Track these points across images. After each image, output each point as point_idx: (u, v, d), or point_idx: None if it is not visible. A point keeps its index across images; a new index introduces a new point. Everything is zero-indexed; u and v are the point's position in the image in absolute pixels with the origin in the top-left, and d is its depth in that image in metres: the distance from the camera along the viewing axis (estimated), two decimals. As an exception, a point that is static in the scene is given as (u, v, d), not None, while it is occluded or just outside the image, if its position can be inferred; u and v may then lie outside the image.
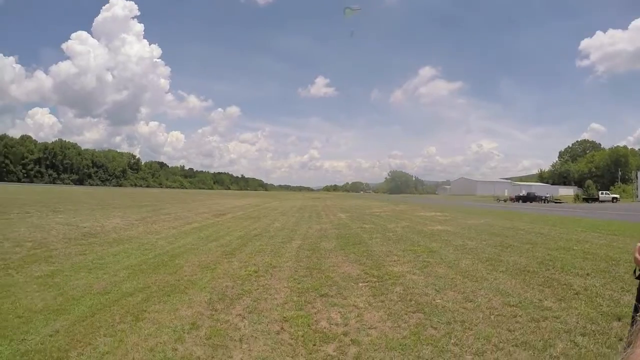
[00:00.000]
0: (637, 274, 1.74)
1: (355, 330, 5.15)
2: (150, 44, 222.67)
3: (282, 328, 5.27)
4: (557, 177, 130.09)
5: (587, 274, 7.94)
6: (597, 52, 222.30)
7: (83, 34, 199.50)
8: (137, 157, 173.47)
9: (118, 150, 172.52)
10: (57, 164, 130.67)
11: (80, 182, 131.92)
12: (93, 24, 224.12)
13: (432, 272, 8.46)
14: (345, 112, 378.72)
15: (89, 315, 5.78)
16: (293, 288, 7.32)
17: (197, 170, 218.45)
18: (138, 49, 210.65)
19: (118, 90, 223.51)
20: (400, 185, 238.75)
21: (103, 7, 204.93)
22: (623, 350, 0.83)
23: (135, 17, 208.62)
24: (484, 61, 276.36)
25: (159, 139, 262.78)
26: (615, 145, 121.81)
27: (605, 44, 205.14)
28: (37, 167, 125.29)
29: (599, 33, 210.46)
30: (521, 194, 75.93)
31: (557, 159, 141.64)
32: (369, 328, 5.23)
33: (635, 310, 0.99)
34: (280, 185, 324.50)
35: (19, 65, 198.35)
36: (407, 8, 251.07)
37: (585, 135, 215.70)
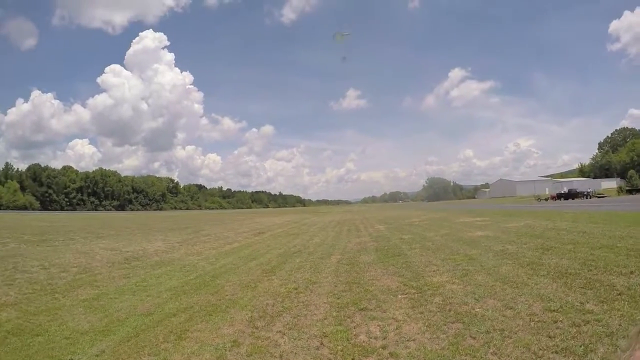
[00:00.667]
0: None
1: (393, 343, 5.18)
2: (182, 72, 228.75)
3: (321, 343, 5.36)
4: (598, 170, 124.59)
5: (631, 272, 7.66)
6: (628, 34, 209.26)
7: (117, 67, 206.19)
8: (175, 181, 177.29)
9: (157, 176, 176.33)
10: (98, 192, 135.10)
11: (121, 207, 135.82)
12: (125, 56, 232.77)
13: (471, 280, 8.35)
14: (378, 122, 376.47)
15: (134, 335, 6.05)
16: (332, 303, 7.40)
17: (235, 191, 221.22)
18: (170, 77, 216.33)
19: (154, 118, 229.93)
20: (438, 192, 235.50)
21: (133, 41, 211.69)
22: (622, 352, 0.86)
23: (165, 47, 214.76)
24: (513, 57, 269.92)
25: (196, 162, 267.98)
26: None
27: (635, 24, 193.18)
28: (79, 196, 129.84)
29: (626, 13, 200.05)
30: (562, 192, 73.44)
31: (597, 151, 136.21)
32: (407, 340, 5.25)
33: None
34: (318, 200, 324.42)
35: (57, 101, 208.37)
36: (430, 10, 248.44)
37: (625, 123, 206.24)
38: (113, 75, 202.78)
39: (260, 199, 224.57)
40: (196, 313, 7.19)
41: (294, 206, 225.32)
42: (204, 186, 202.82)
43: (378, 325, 5.93)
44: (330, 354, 5.01)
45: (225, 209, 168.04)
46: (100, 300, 8.40)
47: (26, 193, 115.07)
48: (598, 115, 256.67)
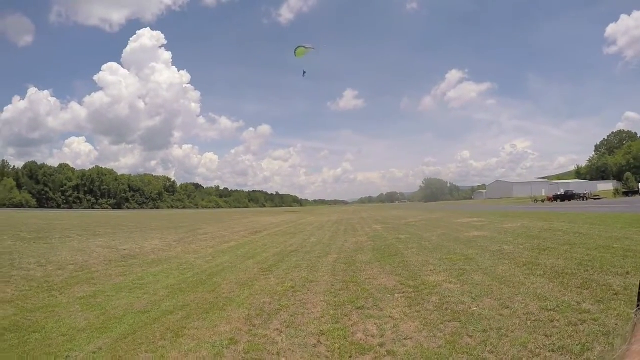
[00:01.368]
0: None
1: (391, 341, 5.20)
2: (179, 71, 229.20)
3: (318, 341, 5.37)
4: (594, 172, 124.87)
5: (627, 273, 7.71)
6: (624, 37, 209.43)
7: (113, 65, 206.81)
8: (172, 180, 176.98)
9: (153, 174, 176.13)
10: (95, 190, 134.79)
11: (118, 206, 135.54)
12: (122, 55, 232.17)
13: (468, 279, 8.38)
14: (375, 122, 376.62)
15: (131, 333, 6.04)
16: (329, 302, 7.41)
17: (232, 190, 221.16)
18: (168, 75, 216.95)
19: (151, 117, 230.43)
20: (435, 192, 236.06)
21: (131, 39, 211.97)
22: (619, 347, 0.86)
23: (163, 45, 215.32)
24: (510, 59, 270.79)
25: (193, 161, 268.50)
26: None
27: (632, 27, 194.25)
28: (75, 194, 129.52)
29: (623, 17, 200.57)
30: (559, 193, 73.86)
31: (593, 153, 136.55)
32: (404, 339, 5.26)
33: (637, 306, 1.01)
34: (315, 200, 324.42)
35: (54, 98, 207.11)
36: (427, 12, 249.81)
37: (621, 125, 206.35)
38: (110, 73, 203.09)
39: (257, 199, 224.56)
40: (193, 311, 7.19)
41: (290, 206, 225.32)
42: (200, 185, 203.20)
43: (375, 324, 5.94)
44: (328, 351, 5.01)
45: (222, 208, 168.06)
46: (97, 297, 8.38)
47: (22, 191, 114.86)
48: (594, 118, 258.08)
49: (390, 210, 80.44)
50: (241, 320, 6.52)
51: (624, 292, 6.45)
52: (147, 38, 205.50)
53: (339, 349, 5.06)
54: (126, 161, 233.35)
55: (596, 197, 66.15)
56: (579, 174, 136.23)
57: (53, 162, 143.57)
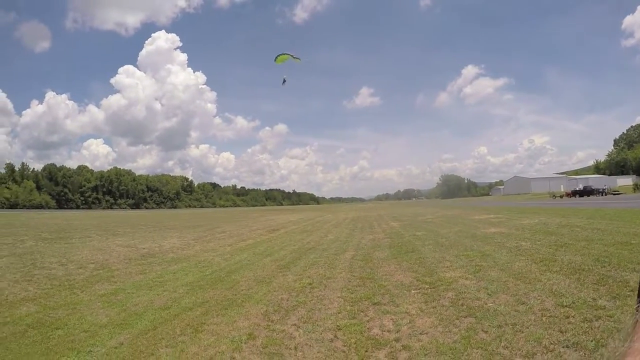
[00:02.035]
0: None
1: (406, 336, 5.26)
2: (194, 72, 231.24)
3: (335, 336, 5.46)
4: (614, 167, 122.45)
5: (645, 269, 7.65)
6: None
7: (130, 67, 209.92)
8: (189, 180, 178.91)
9: (171, 174, 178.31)
10: (113, 190, 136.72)
11: (136, 206, 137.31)
12: (138, 57, 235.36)
13: (484, 276, 8.38)
14: (392, 120, 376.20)
15: (151, 328, 6.20)
16: (346, 298, 7.49)
17: (249, 189, 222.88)
18: (183, 77, 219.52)
19: (167, 118, 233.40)
20: (452, 189, 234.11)
21: (146, 42, 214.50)
22: (621, 344, 0.88)
23: (178, 47, 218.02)
24: (526, 53, 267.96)
25: (210, 161, 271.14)
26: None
27: None
28: (94, 194, 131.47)
29: None
30: (577, 189, 72.65)
31: (612, 148, 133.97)
32: (420, 334, 5.32)
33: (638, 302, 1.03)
34: (332, 198, 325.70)
35: (71, 102, 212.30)
36: (443, 7, 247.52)
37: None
38: (126, 76, 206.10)
39: (274, 197, 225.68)
40: (212, 307, 7.33)
41: (307, 204, 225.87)
42: (217, 184, 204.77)
43: (391, 319, 6.01)
44: (344, 346, 5.10)
45: (239, 206, 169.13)
46: (118, 295, 8.57)
47: (42, 192, 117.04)
48: (613, 112, 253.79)
49: (407, 207, 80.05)
50: (259, 316, 6.64)
51: (641, 288, 6.39)
52: (162, 40, 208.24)
53: (355, 343, 5.15)
54: (144, 162, 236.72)
55: (615, 193, 64.92)
56: (597, 168, 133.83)
57: (72, 164, 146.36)
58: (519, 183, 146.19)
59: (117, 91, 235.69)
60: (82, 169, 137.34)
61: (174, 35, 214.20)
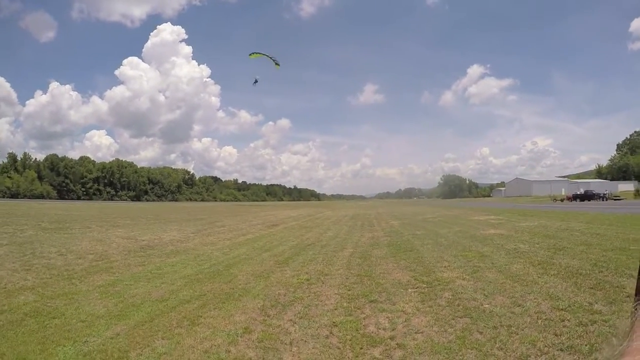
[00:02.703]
0: None
1: (402, 335, 5.29)
2: (199, 65, 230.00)
3: (331, 332, 5.49)
4: (615, 172, 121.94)
5: (643, 275, 7.64)
6: None
7: (134, 59, 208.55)
8: (191, 173, 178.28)
9: (173, 167, 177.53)
10: (114, 182, 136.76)
11: (137, 198, 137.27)
12: (143, 49, 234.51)
13: (482, 277, 8.41)
14: (395, 118, 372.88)
15: (148, 320, 6.22)
16: (343, 295, 7.52)
17: (250, 183, 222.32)
18: (188, 70, 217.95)
19: (171, 110, 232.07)
20: (453, 189, 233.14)
21: (151, 34, 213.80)
22: (619, 343, 0.91)
23: (183, 40, 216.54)
24: (533, 54, 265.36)
25: (212, 155, 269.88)
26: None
27: None
28: (95, 186, 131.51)
29: None
30: (578, 193, 72.54)
31: (615, 152, 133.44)
32: (415, 332, 5.35)
33: (635, 302, 1.02)
34: (332, 195, 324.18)
35: (75, 92, 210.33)
36: (450, 6, 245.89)
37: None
38: (131, 67, 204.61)
39: (275, 192, 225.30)
40: (209, 300, 7.35)
41: (308, 200, 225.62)
42: (219, 178, 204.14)
43: (387, 317, 6.03)
44: (339, 342, 5.13)
45: (240, 201, 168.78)
46: (116, 286, 8.60)
47: (44, 182, 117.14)
48: (617, 116, 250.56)
49: (407, 206, 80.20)
50: (256, 310, 6.67)
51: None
52: (167, 33, 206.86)
53: (350, 340, 5.17)
54: (146, 154, 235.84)
55: (616, 198, 64.85)
56: (599, 173, 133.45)
57: (74, 155, 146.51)
58: (521, 185, 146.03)
59: (121, 82, 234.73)
60: (84, 159, 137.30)
61: (179, 27, 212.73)
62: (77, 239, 15.53)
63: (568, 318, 5.50)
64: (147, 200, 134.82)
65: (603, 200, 62.23)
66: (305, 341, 5.20)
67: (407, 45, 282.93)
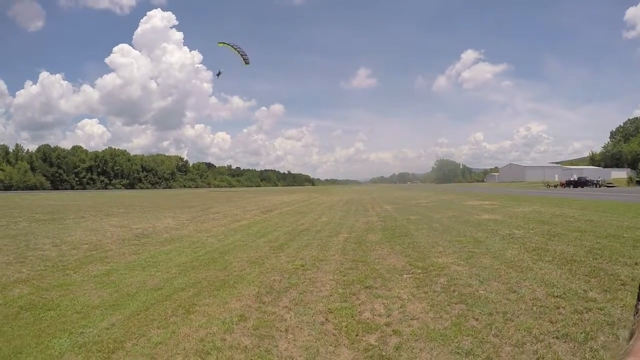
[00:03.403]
0: None
1: (397, 321, 5.28)
2: (190, 51, 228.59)
3: (326, 319, 5.47)
4: (609, 159, 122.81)
5: (636, 263, 7.69)
6: None
7: (125, 46, 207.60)
8: (185, 160, 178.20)
9: (166, 154, 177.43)
10: (108, 171, 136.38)
11: (131, 186, 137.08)
12: (133, 36, 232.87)
13: (476, 262, 8.43)
14: (389, 102, 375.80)
15: (143, 309, 6.18)
16: (338, 280, 7.51)
17: (244, 169, 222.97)
18: (179, 56, 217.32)
19: (163, 97, 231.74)
20: (447, 174, 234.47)
21: (141, 20, 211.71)
22: (626, 342, 0.88)
23: (174, 26, 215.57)
24: (527, 40, 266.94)
25: (206, 141, 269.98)
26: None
27: None
28: (89, 175, 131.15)
29: None
30: (572, 179, 72.91)
31: (608, 140, 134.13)
32: (411, 319, 5.34)
33: (639, 299, 1.00)
34: (327, 180, 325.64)
35: (66, 82, 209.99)
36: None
37: (638, 113, 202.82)
38: (121, 55, 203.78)
39: (269, 178, 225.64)
40: (204, 288, 7.32)
41: (302, 185, 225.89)
42: (213, 165, 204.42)
43: (382, 303, 6.03)
44: (335, 329, 5.11)
45: (234, 187, 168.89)
46: (111, 275, 8.53)
47: (36, 173, 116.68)
48: (611, 103, 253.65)
49: (401, 190, 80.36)
50: (251, 297, 6.64)
51: (631, 283, 6.44)
52: (157, 19, 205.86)
53: (345, 327, 5.16)
54: (139, 142, 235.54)
55: (609, 185, 65.39)
56: (593, 160, 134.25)
57: (66, 145, 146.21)
58: (514, 171, 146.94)
59: (111, 70, 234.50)
60: (76, 149, 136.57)
61: (169, 13, 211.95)
62: (71, 230, 15.43)
63: (563, 305, 5.52)
64: (141, 188, 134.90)
65: (596, 187, 62.73)
66: (301, 328, 5.18)
67: (401, 30, 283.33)
